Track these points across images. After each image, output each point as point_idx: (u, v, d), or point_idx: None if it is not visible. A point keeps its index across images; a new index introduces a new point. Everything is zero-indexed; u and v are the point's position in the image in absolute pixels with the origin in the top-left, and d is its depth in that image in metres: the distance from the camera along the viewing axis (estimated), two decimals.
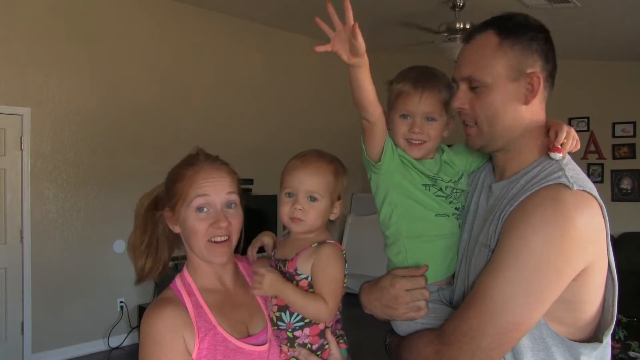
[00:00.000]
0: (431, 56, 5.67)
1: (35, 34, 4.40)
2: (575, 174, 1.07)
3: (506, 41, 1.10)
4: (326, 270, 1.17)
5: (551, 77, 1.15)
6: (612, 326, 1.09)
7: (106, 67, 4.82)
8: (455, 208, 1.27)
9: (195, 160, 1.21)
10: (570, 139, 1.13)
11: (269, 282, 1.14)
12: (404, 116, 1.24)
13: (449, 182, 1.25)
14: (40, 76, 4.43)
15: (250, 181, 5.26)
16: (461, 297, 1.18)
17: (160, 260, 1.26)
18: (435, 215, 1.24)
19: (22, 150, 4.34)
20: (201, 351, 1.09)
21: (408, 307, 1.19)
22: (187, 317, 1.11)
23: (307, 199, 1.19)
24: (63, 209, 4.58)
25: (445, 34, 4.74)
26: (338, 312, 1.24)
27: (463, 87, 1.16)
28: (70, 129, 4.62)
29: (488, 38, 1.12)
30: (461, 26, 4.61)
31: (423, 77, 1.24)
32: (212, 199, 1.17)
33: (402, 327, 1.25)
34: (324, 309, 1.15)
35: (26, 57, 4.35)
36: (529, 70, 1.10)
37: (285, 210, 1.20)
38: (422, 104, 1.22)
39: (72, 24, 4.61)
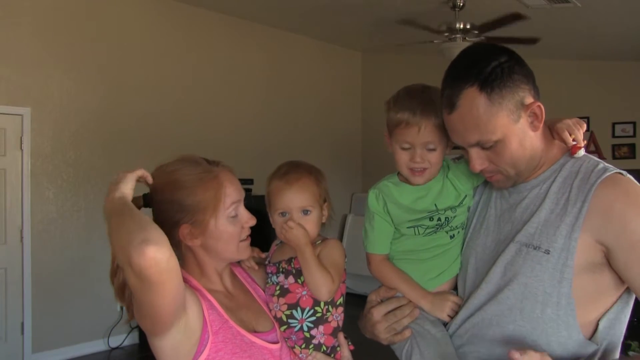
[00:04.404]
0: (431, 56, 5.67)
1: (35, 34, 4.40)
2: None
3: (493, 93, 1.06)
4: (331, 255, 1.25)
5: (534, 84, 1.12)
6: None
7: (106, 67, 4.82)
8: (451, 230, 1.27)
9: (209, 168, 1.17)
10: (581, 130, 1.17)
11: (301, 232, 1.21)
12: (404, 147, 1.22)
13: (446, 208, 1.25)
14: (40, 76, 4.43)
15: (250, 181, 5.25)
16: (483, 299, 1.17)
17: None
18: (423, 236, 1.26)
19: (22, 150, 4.34)
20: (216, 344, 1.09)
21: (387, 331, 1.22)
22: (199, 308, 1.09)
23: (300, 213, 1.25)
24: (63, 209, 4.59)
25: (446, 34, 4.74)
26: (342, 312, 1.29)
27: (474, 151, 1.12)
28: (70, 129, 4.62)
29: (473, 99, 1.07)
30: (461, 26, 4.60)
31: (420, 105, 1.19)
32: (241, 202, 1.20)
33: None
34: (329, 281, 1.21)
35: (26, 57, 4.35)
36: (526, 103, 1.09)
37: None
38: (421, 134, 1.19)
39: (72, 24, 4.61)
